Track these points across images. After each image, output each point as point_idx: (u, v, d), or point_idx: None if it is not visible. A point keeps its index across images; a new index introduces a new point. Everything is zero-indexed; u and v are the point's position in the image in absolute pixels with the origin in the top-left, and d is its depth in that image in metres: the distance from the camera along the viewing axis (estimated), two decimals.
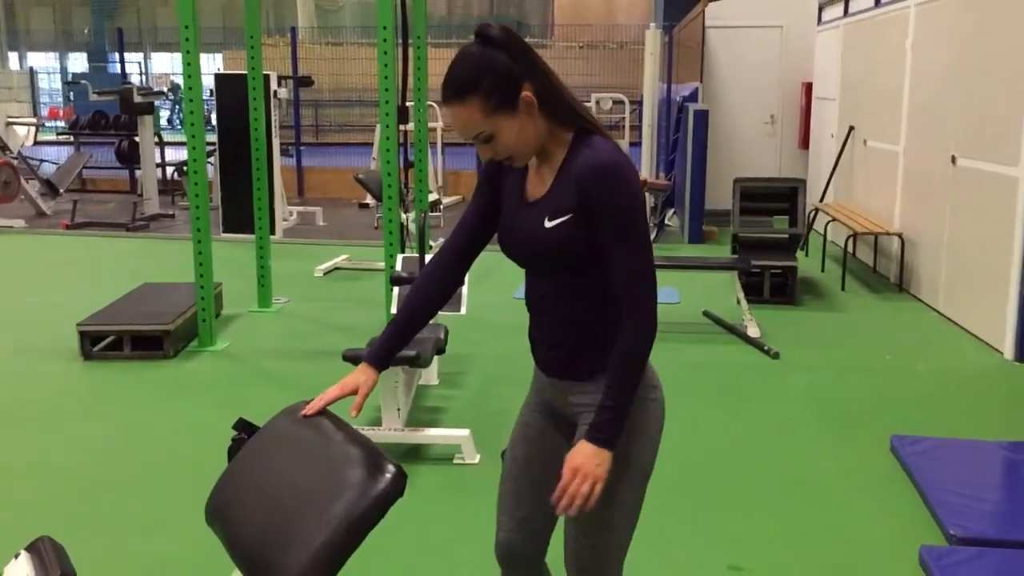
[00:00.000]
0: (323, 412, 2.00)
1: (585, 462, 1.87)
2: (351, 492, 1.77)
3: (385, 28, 5.29)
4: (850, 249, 7.96)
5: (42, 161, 13.97)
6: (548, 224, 1.91)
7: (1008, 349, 5.66)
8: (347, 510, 1.74)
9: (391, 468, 1.79)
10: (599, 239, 1.89)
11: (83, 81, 18.14)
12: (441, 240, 8.25)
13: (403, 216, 6.34)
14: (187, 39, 5.55)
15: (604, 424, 1.88)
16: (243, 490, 1.97)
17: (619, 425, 1.89)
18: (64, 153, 15.91)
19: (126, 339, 5.63)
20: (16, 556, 1.85)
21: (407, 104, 6.61)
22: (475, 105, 1.83)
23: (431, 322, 4.71)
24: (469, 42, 1.88)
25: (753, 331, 6.11)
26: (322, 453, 1.93)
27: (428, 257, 4.82)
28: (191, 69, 5.60)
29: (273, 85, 8.91)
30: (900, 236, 7.41)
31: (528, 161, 1.95)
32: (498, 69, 1.82)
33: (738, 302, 6.39)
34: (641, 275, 1.87)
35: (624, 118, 11.75)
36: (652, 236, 9.24)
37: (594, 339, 1.98)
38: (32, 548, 1.85)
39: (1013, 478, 3.96)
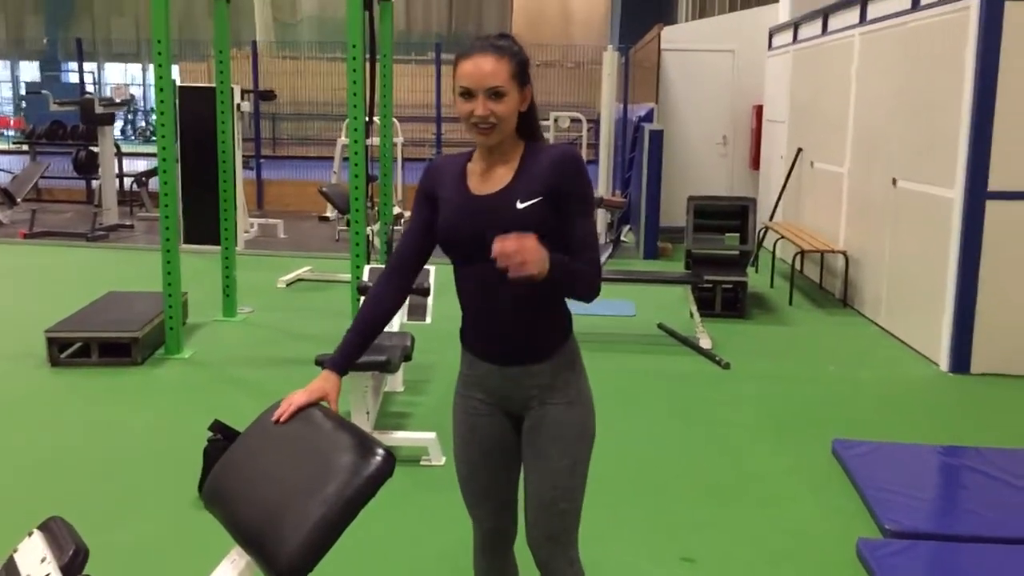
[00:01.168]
0: (309, 404, 2.16)
1: (533, 247, 1.98)
2: (344, 473, 1.93)
3: (355, 46, 5.47)
4: (797, 266, 8.25)
5: None
6: (520, 205, 2.15)
7: (943, 361, 5.96)
8: (341, 489, 1.91)
9: (380, 451, 1.96)
10: (565, 214, 2.16)
11: (44, 92, 18.00)
12: None
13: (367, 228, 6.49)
14: (159, 53, 5.67)
15: (561, 260, 2.08)
16: (240, 477, 2.10)
17: (561, 273, 2.09)
18: (14, 162, 15.76)
19: (94, 346, 5.70)
20: (29, 534, 1.97)
21: (373, 119, 6.76)
22: (507, 65, 2.14)
23: (399, 331, 4.87)
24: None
25: (705, 343, 6.36)
26: (314, 440, 2.08)
27: None
28: (163, 83, 5.72)
29: (236, 98, 9.01)
30: (844, 254, 7.73)
31: (497, 142, 2.18)
32: (526, 58, 2.21)
33: (691, 315, 6.64)
34: (594, 239, 2.24)
35: (581, 136, 12.01)
36: (608, 252, 9.50)
37: (548, 318, 2.22)
38: (44, 527, 1.98)
39: (944, 478, 4.24)
